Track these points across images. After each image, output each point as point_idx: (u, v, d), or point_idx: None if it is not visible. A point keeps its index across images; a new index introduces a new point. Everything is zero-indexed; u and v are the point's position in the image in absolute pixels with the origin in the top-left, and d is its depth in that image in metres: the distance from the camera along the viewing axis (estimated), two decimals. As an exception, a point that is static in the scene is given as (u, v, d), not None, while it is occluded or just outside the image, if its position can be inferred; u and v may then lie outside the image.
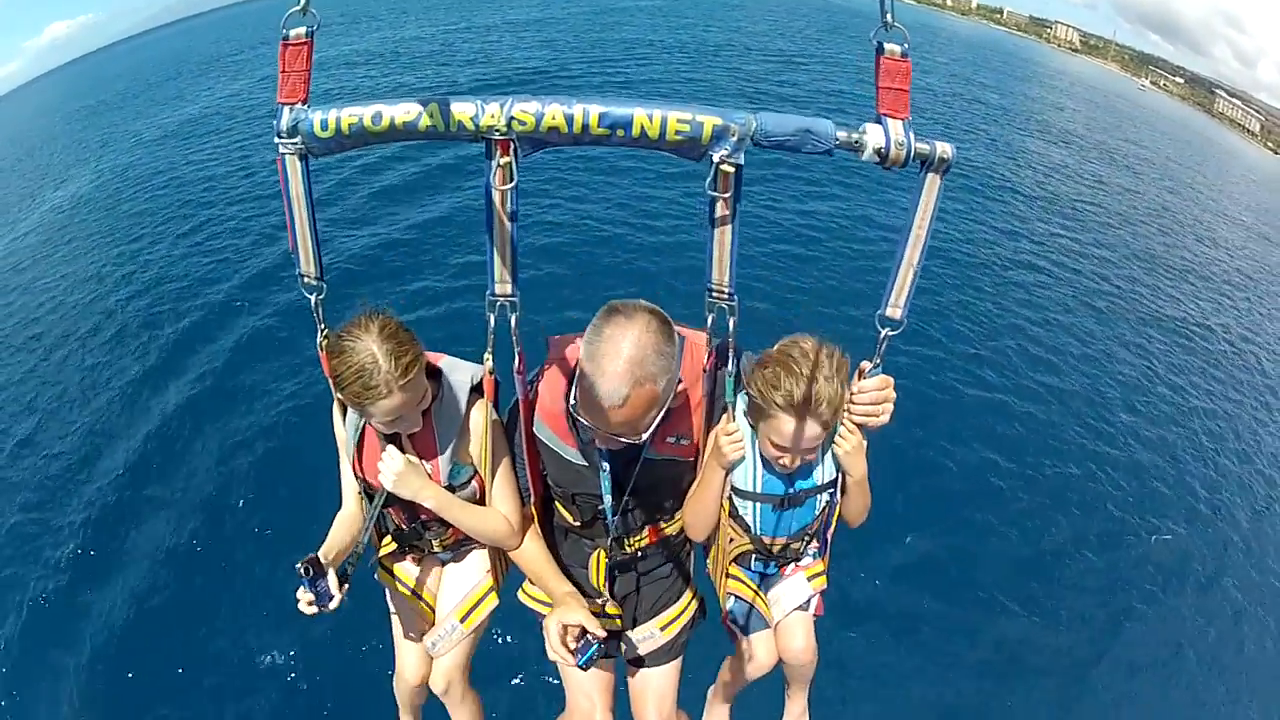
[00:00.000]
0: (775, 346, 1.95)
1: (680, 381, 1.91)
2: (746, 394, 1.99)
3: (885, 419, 1.92)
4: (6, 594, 6.91)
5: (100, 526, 7.55)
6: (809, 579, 2.37)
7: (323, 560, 1.91)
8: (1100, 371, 11.65)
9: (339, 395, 1.94)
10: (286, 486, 7.54)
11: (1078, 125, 34.31)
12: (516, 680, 5.75)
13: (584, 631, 2.02)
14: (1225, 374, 13.05)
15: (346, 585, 1.96)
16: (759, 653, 2.43)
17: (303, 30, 1.56)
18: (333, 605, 1.89)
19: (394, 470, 1.97)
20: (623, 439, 1.84)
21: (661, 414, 1.85)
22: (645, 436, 1.86)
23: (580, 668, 2.02)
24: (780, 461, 2.01)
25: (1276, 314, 17.14)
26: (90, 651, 6.33)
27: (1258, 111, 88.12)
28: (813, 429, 1.89)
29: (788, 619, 2.38)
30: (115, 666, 6.22)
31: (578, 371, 1.84)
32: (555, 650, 2.00)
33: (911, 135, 1.53)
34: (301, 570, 1.85)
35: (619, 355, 1.72)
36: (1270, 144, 79.95)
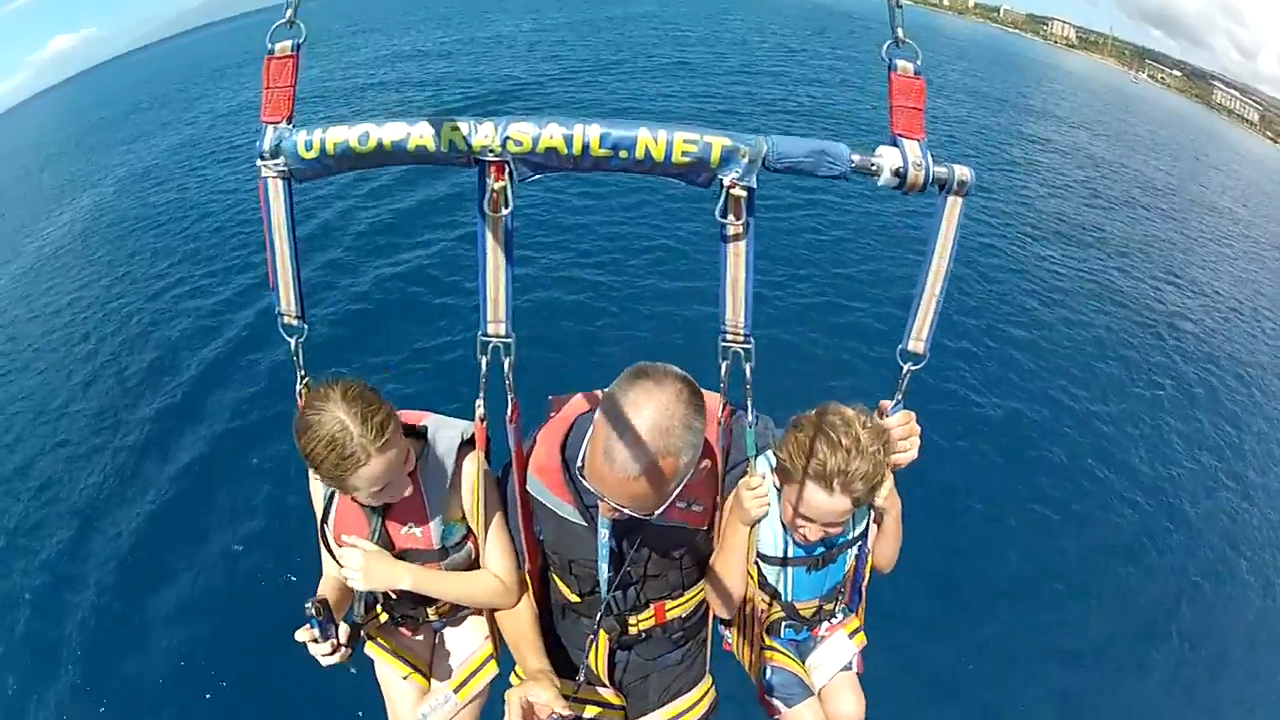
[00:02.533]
0: (814, 410, 1.79)
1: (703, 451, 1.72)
2: (775, 455, 1.87)
3: (913, 454, 1.78)
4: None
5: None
6: (849, 635, 2.22)
7: (329, 605, 1.79)
8: (1114, 370, 11.64)
9: (316, 479, 1.81)
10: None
11: (1073, 117, 34.36)
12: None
13: (552, 713, 1.79)
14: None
15: (360, 636, 1.88)
16: None
17: (289, 44, 1.49)
18: (337, 647, 1.78)
19: (356, 568, 1.81)
20: (630, 512, 1.63)
21: (676, 492, 1.64)
22: (658, 512, 1.64)
23: None
24: (801, 532, 1.87)
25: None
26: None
27: (1256, 102, 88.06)
28: (842, 503, 1.74)
29: (832, 683, 2.21)
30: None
31: (591, 432, 1.64)
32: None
33: (929, 157, 1.45)
34: (312, 610, 1.72)
35: (643, 422, 1.52)
36: (1270, 134, 79.92)
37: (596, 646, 2.12)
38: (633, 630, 2.10)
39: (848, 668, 2.22)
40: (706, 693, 2.27)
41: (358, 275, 12.17)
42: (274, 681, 5.88)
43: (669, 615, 2.10)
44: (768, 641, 2.19)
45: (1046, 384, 10.73)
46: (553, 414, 1.99)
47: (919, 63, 1.45)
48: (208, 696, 6.11)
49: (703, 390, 1.69)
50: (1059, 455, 9.36)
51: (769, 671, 2.18)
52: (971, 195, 1.50)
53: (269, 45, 1.48)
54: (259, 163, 1.51)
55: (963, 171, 1.48)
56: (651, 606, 2.07)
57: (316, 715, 5.76)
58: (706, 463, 1.78)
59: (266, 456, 8.26)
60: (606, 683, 2.19)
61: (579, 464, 1.70)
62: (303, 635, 1.73)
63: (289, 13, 1.44)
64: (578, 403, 1.99)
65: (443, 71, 28.15)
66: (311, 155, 1.48)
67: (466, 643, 2.23)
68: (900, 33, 1.41)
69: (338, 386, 1.66)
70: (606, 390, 1.63)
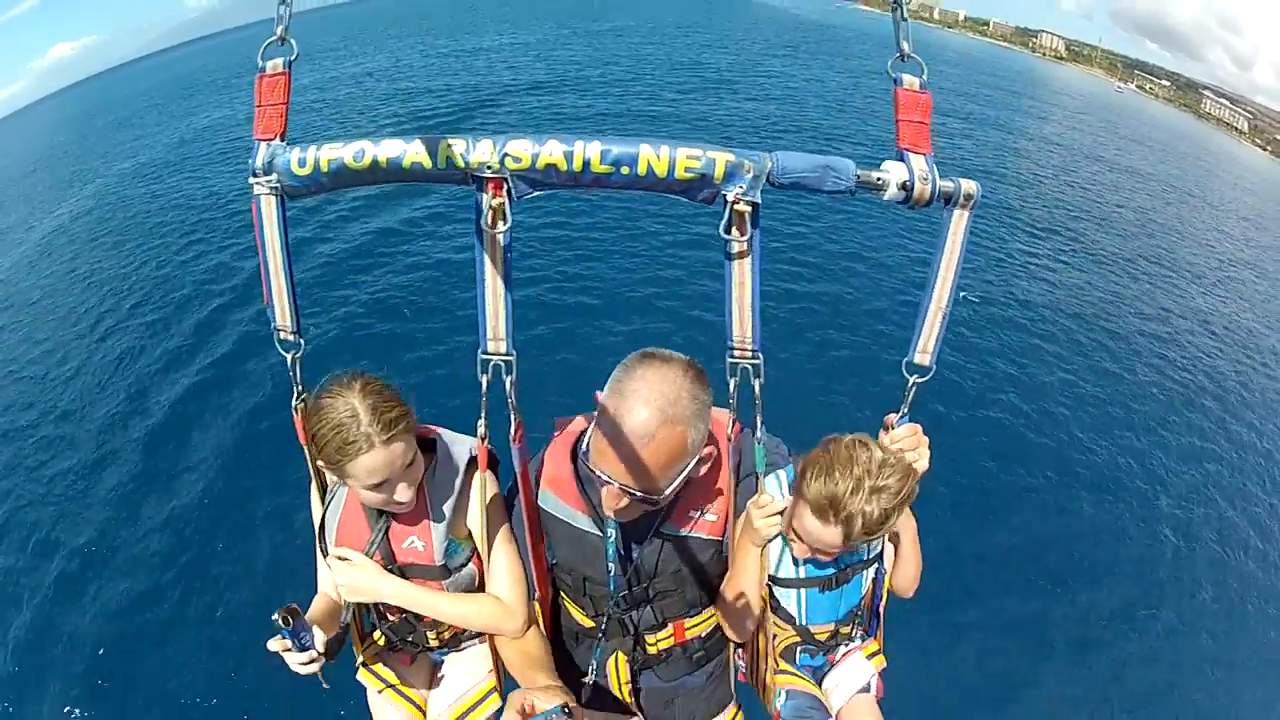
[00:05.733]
0: (850, 436, 1.70)
1: (709, 443, 1.70)
2: (789, 466, 1.84)
3: (924, 466, 1.72)
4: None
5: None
6: (868, 658, 2.15)
7: (300, 612, 1.67)
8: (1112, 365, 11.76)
9: (316, 464, 1.76)
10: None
11: (1060, 129, 34.73)
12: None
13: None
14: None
15: (334, 651, 1.76)
16: None
17: (280, 61, 1.48)
18: (317, 655, 1.67)
19: (343, 581, 1.78)
20: (639, 495, 1.60)
21: (686, 473, 1.63)
22: (667, 492, 1.63)
23: None
24: (793, 545, 1.84)
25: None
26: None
27: (1245, 111, 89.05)
28: (833, 534, 1.68)
29: (849, 704, 2.11)
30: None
31: (597, 415, 1.62)
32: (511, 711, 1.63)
33: (935, 171, 1.43)
34: (280, 620, 1.62)
35: (651, 392, 1.54)
36: (1258, 141, 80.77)
37: (618, 670, 2.04)
38: (651, 650, 2.03)
39: (866, 689, 2.13)
40: (735, 717, 2.19)
41: (353, 288, 12.19)
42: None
43: (688, 634, 2.04)
44: (782, 666, 2.11)
45: (1044, 390, 10.82)
46: (556, 434, 1.95)
47: (924, 77, 1.44)
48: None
49: (712, 406, 1.66)
50: (1080, 461, 9.48)
51: (784, 696, 2.10)
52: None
53: (260, 63, 1.47)
54: (251, 179, 1.48)
55: (968, 185, 1.46)
56: (670, 625, 2.00)
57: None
58: (711, 449, 1.72)
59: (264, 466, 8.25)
60: (634, 704, 2.09)
61: (584, 452, 1.67)
62: (274, 645, 1.65)
63: (279, 30, 1.42)
64: (581, 422, 1.95)
65: (425, 84, 28.44)
66: (305, 172, 1.44)
67: (468, 674, 2.11)
68: (906, 47, 1.40)
69: (360, 379, 1.66)
70: (613, 374, 1.61)
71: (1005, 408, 10.23)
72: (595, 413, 1.64)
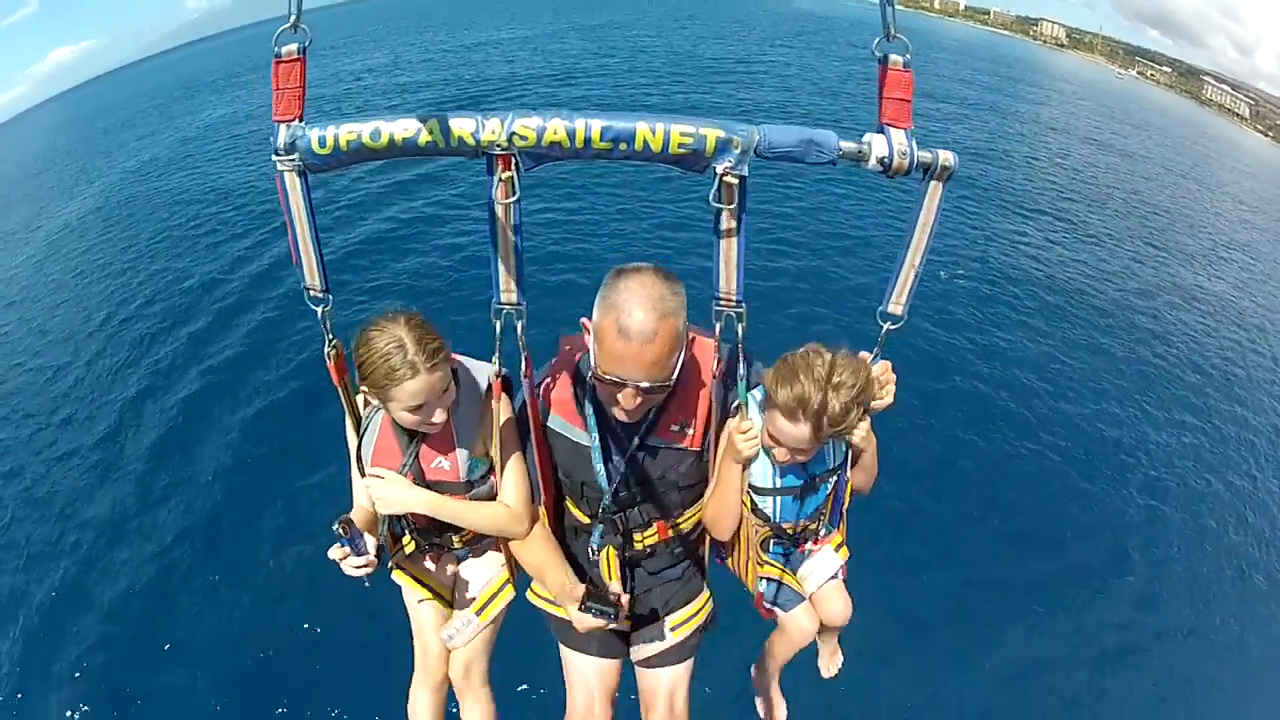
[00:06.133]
0: (804, 347, 1.96)
1: (690, 347, 1.95)
2: (761, 385, 2.04)
3: (889, 400, 1.98)
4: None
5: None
6: (834, 550, 2.49)
7: (354, 523, 1.97)
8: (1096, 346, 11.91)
9: (353, 399, 2.01)
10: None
11: (1056, 113, 34.69)
12: (522, 687, 5.76)
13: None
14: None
15: (380, 554, 2.04)
16: (803, 623, 2.56)
17: (294, 47, 1.55)
18: (371, 559, 1.97)
19: (378, 495, 2.04)
20: (652, 385, 1.83)
21: (680, 359, 1.87)
22: (673, 378, 1.87)
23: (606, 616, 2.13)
24: (775, 452, 2.07)
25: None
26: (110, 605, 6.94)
27: (1246, 96, 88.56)
28: (804, 432, 1.91)
29: (822, 589, 2.51)
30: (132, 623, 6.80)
31: (594, 334, 1.86)
32: (583, 625, 2.14)
33: (914, 144, 1.54)
34: (339, 529, 1.91)
35: (640, 297, 1.75)
36: (1260, 127, 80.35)
37: (608, 559, 2.35)
38: (638, 546, 2.37)
39: (835, 576, 2.51)
40: (705, 604, 2.57)
41: (374, 244, 13.11)
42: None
43: (670, 533, 2.38)
44: (762, 557, 2.47)
45: (1036, 362, 11.04)
46: (560, 351, 2.20)
47: (908, 57, 1.52)
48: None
49: (699, 331, 1.99)
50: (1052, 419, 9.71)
51: (764, 583, 2.51)
52: (956, 179, 1.59)
53: (275, 49, 1.53)
54: (274, 158, 1.58)
55: (946, 156, 1.57)
56: (655, 524, 2.34)
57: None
58: (687, 333, 1.94)
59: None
60: (617, 579, 2.36)
61: (591, 370, 1.91)
62: (334, 553, 1.94)
63: (293, 18, 1.49)
64: (579, 341, 2.15)
65: (424, 78, 28.70)
66: (325, 151, 1.56)
67: (486, 570, 2.46)
68: (893, 28, 1.49)
69: (404, 314, 1.87)
70: (598, 294, 1.84)
71: (984, 378, 10.46)
72: (590, 335, 1.85)
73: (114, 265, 15.07)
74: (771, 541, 2.43)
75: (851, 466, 2.23)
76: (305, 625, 6.62)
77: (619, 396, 1.89)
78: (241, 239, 14.66)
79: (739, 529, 2.34)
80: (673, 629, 2.51)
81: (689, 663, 2.57)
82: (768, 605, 2.55)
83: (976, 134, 24.75)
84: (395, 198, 15.40)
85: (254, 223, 15.35)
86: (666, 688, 2.52)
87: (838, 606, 2.52)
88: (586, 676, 2.49)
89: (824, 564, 2.49)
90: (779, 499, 2.25)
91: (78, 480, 8.72)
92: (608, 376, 1.84)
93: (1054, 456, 9.20)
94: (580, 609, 2.13)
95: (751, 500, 2.27)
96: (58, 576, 7.38)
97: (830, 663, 3.07)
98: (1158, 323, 13.64)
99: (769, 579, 2.49)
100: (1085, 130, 32.15)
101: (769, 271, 12.00)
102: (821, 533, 2.45)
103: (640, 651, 2.54)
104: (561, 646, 2.54)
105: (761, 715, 3.10)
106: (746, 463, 2.12)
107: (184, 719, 6.09)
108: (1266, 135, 76.74)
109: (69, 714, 6.10)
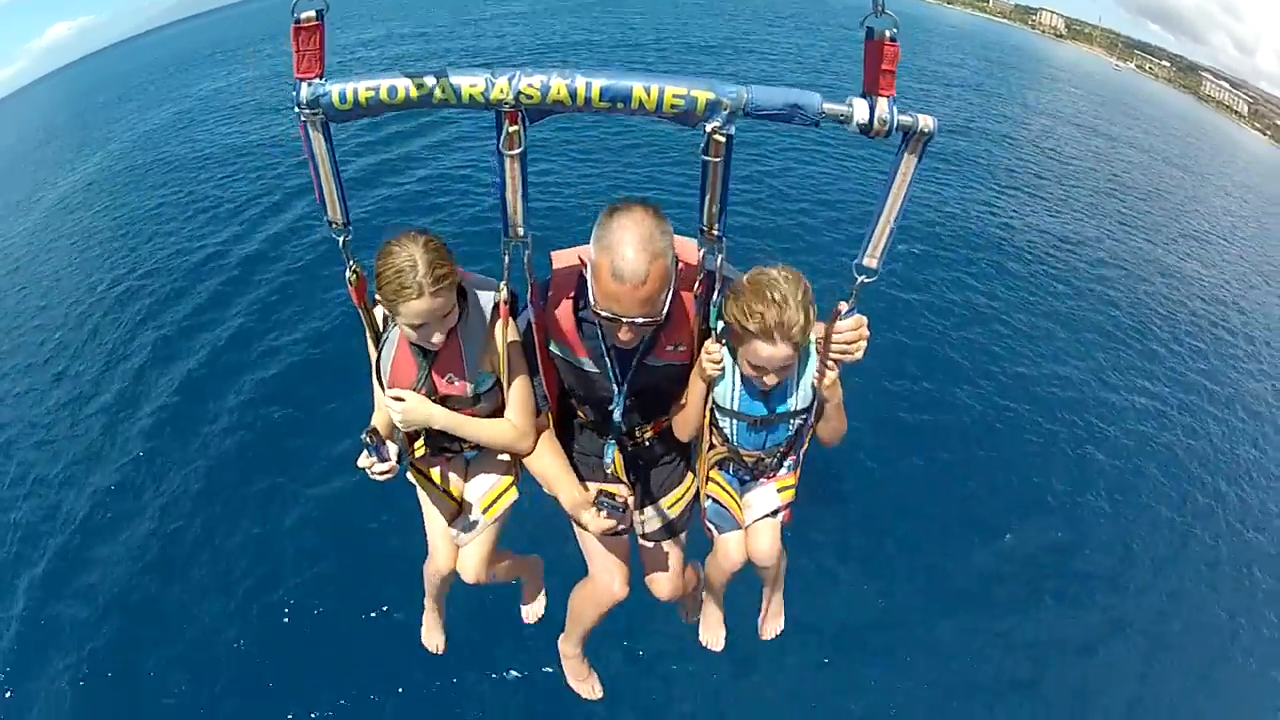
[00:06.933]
0: (745, 276, 2.14)
1: (680, 273, 2.10)
2: (724, 322, 2.20)
3: (860, 355, 2.11)
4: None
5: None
6: (779, 490, 2.66)
7: (379, 433, 2.23)
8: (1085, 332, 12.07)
9: (371, 316, 2.23)
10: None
11: (1051, 101, 34.78)
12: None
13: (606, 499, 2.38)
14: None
15: (400, 459, 2.27)
16: (731, 550, 2.73)
17: (312, 12, 1.65)
18: (393, 464, 2.19)
19: (399, 410, 2.25)
20: (645, 321, 2.01)
21: (671, 292, 2.05)
22: (665, 311, 2.05)
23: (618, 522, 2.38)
24: (761, 379, 2.24)
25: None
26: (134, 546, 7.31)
27: (1246, 95, 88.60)
28: (784, 349, 2.11)
29: (756, 524, 2.68)
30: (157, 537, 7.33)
31: (591, 271, 2.02)
32: (598, 527, 2.38)
33: (895, 109, 1.64)
34: (367, 439, 2.16)
35: (632, 237, 1.91)
36: (1258, 125, 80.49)
37: (613, 456, 2.64)
38: (639, 440, 2.67)
39: (774, 515, 2.67)
40: (691, 485, 2.91)
41: (391, 186, 13.94)
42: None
43: (665, 427, 2.66)
44: (714, 475, 2.69)
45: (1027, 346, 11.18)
46: (555, 274, 2.36)
47: (895, 31, 1.60)
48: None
49: (685, 240, 2.16)
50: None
51: (710, 501, 2.71)
52: (936, 140, 1.68)
53: (294, 15, 1.62)
54: (298, 109, 1.71)
55: (926, 121, 1.66)
56: (652, 424, 2.65)
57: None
58: (683, 265, 2.14)
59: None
60: (624, 479, 2.68)
61: (592, 302, 2.06)
62: (363, 461, 2.18)
63: None
64: (569, 256, 2.36)
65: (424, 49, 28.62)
66: (346, 107, 1.70)
67: (492, 472, 2.68)
68: (882, 4, 1.57)
69: (424, 235, 2.04)
70: (593, 232, 2.01)
71: (958, 344, 10.67)
72: (589, 266, 2.02)
73: (116, 233, 15.02)
74: (732, 465, 2.64)
75: (817, 415, 2.38)
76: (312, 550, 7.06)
77: (618, 331, 2.08)
78: (241, 213, 14.52)
79: (701, 441, 2.61)
80: (669, 506, 2.88)
81: (683, 536, 3.01)
82: (708, 523, 2.76)
83: (960, 113, 24.65)
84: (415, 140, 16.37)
85: (254, 188, 15.48)
86: (665, 558, 2.97)
87: (765, 544, 2.66)
88: (605, 555, 2.85)
89: (766, 498, 2.66)
90: (735, 423, 2.46)
91: (90, 438, 8.85)
92: (604, 313, 2.03)
93: (1006, 418, 9.46)
94: (594, 504, 2.37)
95: (713, 416, 2.49)
96: (58, 543, 7.47)
97: (770, 624, 3.25)
98: (1115, 290, 14.01)
99: (715, 499, 2.69)
100: (1072, 115, 32.06)
101: (747, 228, 12.41)
102: (782, 472, 2.64)
103: (642, 527, 2.94)
104: (577, 530, 2.83)
105: (696, 624, 3.40)
106: (711, 382, 2.34)
107: (208, 641, 6.42)
108: (1264, 134, 76.88)
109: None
